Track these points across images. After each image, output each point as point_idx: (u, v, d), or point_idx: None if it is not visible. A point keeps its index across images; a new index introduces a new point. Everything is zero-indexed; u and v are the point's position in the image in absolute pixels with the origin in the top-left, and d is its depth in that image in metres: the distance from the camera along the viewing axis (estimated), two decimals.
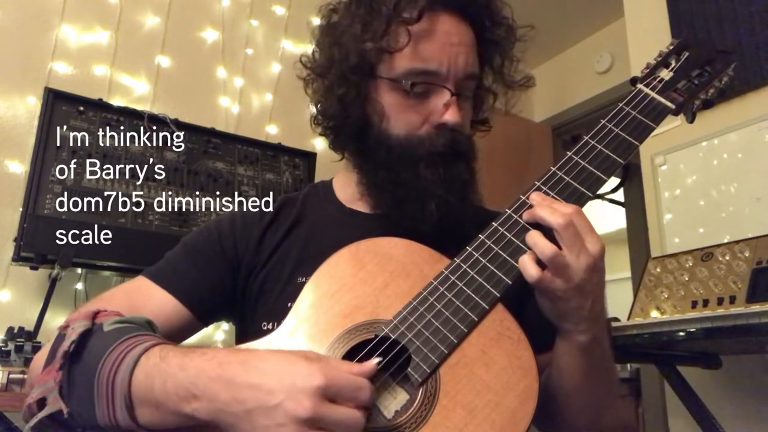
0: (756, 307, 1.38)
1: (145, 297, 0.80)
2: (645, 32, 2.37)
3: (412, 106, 0.82)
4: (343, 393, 0.56)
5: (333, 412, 0.54)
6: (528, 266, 0.66)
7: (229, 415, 0.55)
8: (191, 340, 0.85)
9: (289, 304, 0.71)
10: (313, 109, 0.92)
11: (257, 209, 0.92)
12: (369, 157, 0.86)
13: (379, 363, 0.61)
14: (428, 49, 0.81)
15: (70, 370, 0.62)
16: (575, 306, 0.67)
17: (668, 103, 0.78)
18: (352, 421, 0.55)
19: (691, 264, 1.65)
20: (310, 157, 2.36)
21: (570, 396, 0.76)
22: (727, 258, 1.58)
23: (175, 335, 0.80)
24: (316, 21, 0.92)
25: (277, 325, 0.70)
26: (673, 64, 0.83)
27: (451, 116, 0.81)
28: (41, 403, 0.62)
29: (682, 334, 1.51)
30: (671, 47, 0.85)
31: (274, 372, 0.56)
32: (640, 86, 0.80)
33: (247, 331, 0.85)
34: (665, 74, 0.82)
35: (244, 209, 0.93)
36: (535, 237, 0.67)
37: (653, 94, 0.79)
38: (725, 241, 1.76)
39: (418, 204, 0.81)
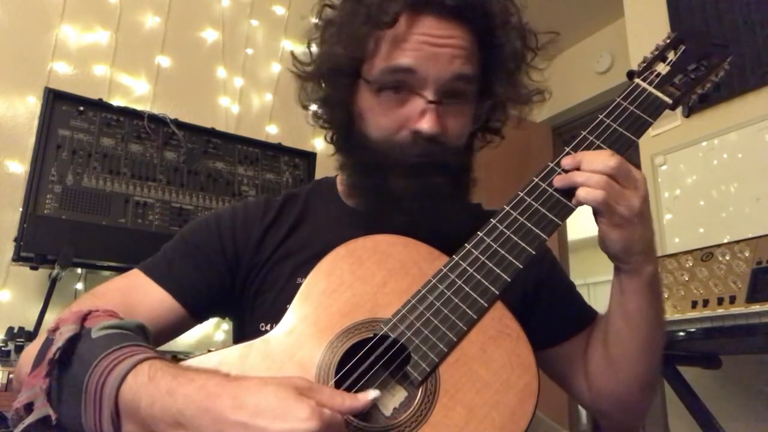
0: (756, 307, 1.38)
1: (140, 294, 0.79)
2: (645, 32, 2.37)
3: (389, 109, 0.80)
4: None
5: None
6: (590, 192, 0.69)
7: None
8: (190, 338, 0.84)
9: (288, 306, 0.70)
10: (313, 106, 0.92)
11: (260, 204, 0.91)
12: (350, 157, 0.86)
13: (374, 398, 0.59)
14: (401, 46, 0.78)
15: (59, 376, 0.61)
16: (640, 233, 0.71)
17: (665, 98, 0.78)
18: None
19: (691, 264, 1.64)
20: (310, 157, 2.36)
21: (646, 340, 0.77)
22: (727, 258, 1.58)
23: (170, 332, 0.79)
24: (313, 20, 0.91)
25: (275, 327, 0.69)
26: (670, 58, 0.82)
27: (426, 124, 0.77)
28: (29, 407, 0.60)
29: (682, 334, 1.51)
30: (668, 41, 0.84)
31: (265, 411, 0.53)
32: (637, 80, 0.80)
33: (244, 332, 0.85)
34: (662, 68, 0.81)
35: (248, 199, 0.92)
36: (584, 174, 0.70)
37: (650, 89, 0.78)
38: (725, 241, 1.76)
39: (386, 213, 0.79)
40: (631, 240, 0.71)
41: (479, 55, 0.83)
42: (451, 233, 0.74)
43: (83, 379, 0.59)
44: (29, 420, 0.59)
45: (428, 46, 0.78)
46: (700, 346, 1.65)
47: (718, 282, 1.55)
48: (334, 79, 0.84)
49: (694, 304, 1.55)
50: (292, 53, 0.92)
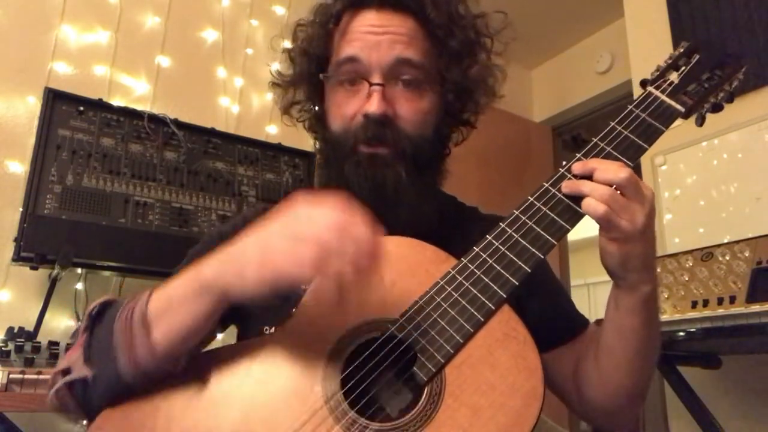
0: (756, 307, 1.39)
1: None
2: (645, 32, 2.38)
3: (345, 99, 0.86)
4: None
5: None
6: (592, 205, 0.68)
7: (235, 263, 0.61)
8: None
9: (293, 310, 0.71)
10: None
11: (258, 213, 0.91)
12: (321, 154, 0.92)
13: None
14: (346, 39, 0.86)
15: (93, 330, 0.67)
16: (640, 250, 0.70)
17: (678, 106, 0.78)
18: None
19: (691, 264, 1.65)
20: (310, 157, 2.35)
21: (637, 355, 0.76)
22: (727, 258, 1.58)
23: None
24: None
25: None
26: (683, 67, 0.82)
27: (371, 106, 0.81)
28: (66, 373, 0.66)
29: (682, 334, 1.51)
30: (681, 50, 0.85)
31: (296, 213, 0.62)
32: (650, 89, 0.80)
33: (248, 336, 0.85)
34: (675, 77, 0.81)
35: (246, 209, 0.95)
36: (591, 184, 0.70)
37: (663, 97, 0.79)
38: (725, 241, 1.76)
39: None
40: (629, 256, 0.70)
41: (428, 43, 0.87)
42: (412, 228, 0.76)
43: (115, 316, 0.66)
44: (66, 379, 0.65)
45: (370, 35, 0.85)
46: (700, 346, 1.66)
47: (718, 282, 1.55)
48: (305, 82, 0.93)
49: (694, 304, 1.56)
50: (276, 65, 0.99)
